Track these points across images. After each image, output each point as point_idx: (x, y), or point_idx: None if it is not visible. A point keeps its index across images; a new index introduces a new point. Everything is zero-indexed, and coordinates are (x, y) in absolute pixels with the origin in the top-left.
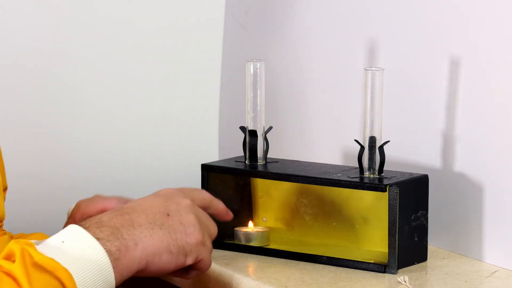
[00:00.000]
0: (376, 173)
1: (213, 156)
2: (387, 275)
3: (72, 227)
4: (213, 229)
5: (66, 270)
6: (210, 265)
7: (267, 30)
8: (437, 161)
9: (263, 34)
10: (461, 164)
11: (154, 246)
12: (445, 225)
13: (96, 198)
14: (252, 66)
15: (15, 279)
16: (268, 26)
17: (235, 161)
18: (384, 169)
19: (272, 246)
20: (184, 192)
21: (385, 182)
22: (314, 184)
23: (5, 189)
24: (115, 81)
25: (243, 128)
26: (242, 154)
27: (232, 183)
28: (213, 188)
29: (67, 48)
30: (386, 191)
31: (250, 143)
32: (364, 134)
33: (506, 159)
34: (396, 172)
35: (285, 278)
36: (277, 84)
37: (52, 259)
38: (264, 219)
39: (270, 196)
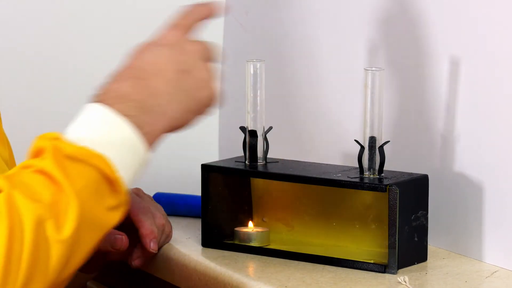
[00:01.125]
0: (376, 173)
1: (213, 156)
2: (387, 275)
3: (94, 107)
4: (214, 52)
5: (101, 156)
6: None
7: (267, 30)
8: (437, 161)
9: (263, 34)
10: (461, 164)
11: (178, 110)
12: (445, 225)
13: None
14: (252, 66)
15: (49, 176)
16: (268, 26)
17: (235, 161)
18: (384, 169)
19: (272, 246)
20: (182, 27)
21: (385, 182)
22: (314, 184)
23: None
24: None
25: (243, 128)
26: (242, 154)
27: (232, 183)
28: (213, 188)
29: (69, 49)
30: (386, 191)
31: (250, 143)
32: (364, 134)
33: (506, 159)
34: (396, 172)
35: (285, 278)
36: (277, 84)
37: (84, 148)
38: (264, 219)
39: (270, 196)
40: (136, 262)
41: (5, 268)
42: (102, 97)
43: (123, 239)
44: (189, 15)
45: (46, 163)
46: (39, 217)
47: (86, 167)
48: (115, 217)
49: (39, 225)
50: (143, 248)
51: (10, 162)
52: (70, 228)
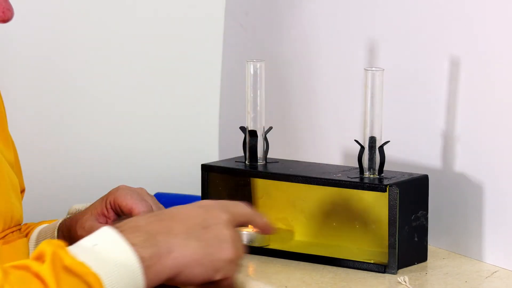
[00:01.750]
0: (376, 173)
1: (213, 156)
2: (387, 275)
3: (107, 230)
4: (242, 251)
5: (96, 275)
6: (233, 285)
7: (267, 30)
8: (437, 161)
9: (263, 34)
10: (461, 164)
11: (187, 257)
12: (445, 225)
13: (123, 190)
14: (252, 66)
15: (43, 281)
16: (268, 26)
17: (235, 161)
18: (384, 169)
19: (272, 246)
20: (225, 206)
21: (385, 182)
22: (314, 184)
23: (22, 190)
24: (115, 81)
25: (243, 128)
26: (242, 154)
27: (232, 183)
28: (213, 188)
29: (69, 49)
30: (386, 191)
31: (250, 143)
32: (364, 134)
33: (506, 159)
34: (396, 172)
35: (285, 278)
36: (277, 84)
37: (82, 264)
38: None
39: (270, 196)
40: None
41: None
42: (118, 225)
43: None
44: (240, 205)
45: (44, 268)
46: None
47: (80, 283)
48: None
49: None
50: None
51: (15, 165)
52: None
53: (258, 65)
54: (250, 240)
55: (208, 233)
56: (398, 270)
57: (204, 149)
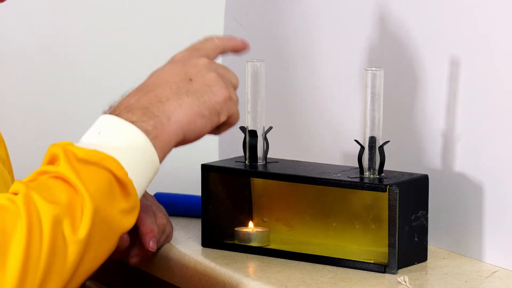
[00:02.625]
0: (376, 173)
1: (213, 156)
2: (387, 275)
3: (103, 117)
4: (235, 79)
5: (112, 158)
6: (239, 118)
7: (267, 30)
8: (437, 161)
9: (263, 34)
10: (461, 164)
11: (186, 115)
12: (445, 225)
13: None
14: (252, 66)
15: (65, 180)
16: (268, 26)
17: (235, 161)
18: (384, 169)
19: (272, 246)
20: (196, 49)
21: (385, 182)
22: (314, 184)
23: None
24: (115, 81)
25: (243, 128)
26: (242, 154)
27: (232, 183)
28: (213, 188)
29: (66, 47)
30: (386, 191)
31: (250, 143)
32: (364, 134)
33: (506, 159)
34: (396, 172)
35: (285, 278)
36: (277, 84)
37: (95, 151)
38: (264, 219)
39: (270, 196)
40: (134, 260)
41: (24, 266)
42: (112, 110)
43: (124, 237)
44: (207, 42)
45: (61, 167)
46: (56, 217)
47: (99, 169)
48: (128, 221)
49: (57, 225)
50: (142, 246)
51: (7, 161)
52: (85, 228)
53: (258, 65)
54: (250, 240)
55: (195, 83)
56: (398, 270)
57: (204, 149)
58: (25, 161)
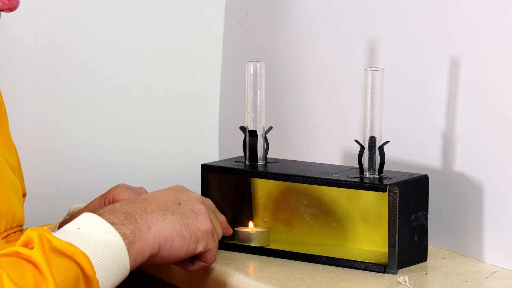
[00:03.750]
0: (376, 173)
1: (213, 156)
2: (387, 275)
3: (86, 215)
4: (220, 229)
5: (84, 254)
6: (215, 258)
7: (267, 30)
8: (437, 161)
9: (263, 34)
10: (461, 164)
11: (166, 230)
12: (445, 225)
13: (122, 189)
14: (252, 66)
15: (35, 265)
16: (268, 26)
17: (235, 161)
18: (384, 169)
19: (272, 246)
20: (194, 193)
21: (385, 182)
22: (314, 184)
23: (24, 194)
24: (115, 81)
25: (243, 128)
26: (242, 154)
27: (232, 183)
28: (213, 188)
29: (69, 51)
30: (386, 191)
31: (250, 143)
32: (364, 134)
33: (506, 159)
34: (396, 172)
35: (285, 278)
36: (277, 84)
37: (70, 244)
38: (264, 219)
39: (270, 196)
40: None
41: None
42: (96, 210)
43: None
44: (209, 203)
45: (34, 252)
46: None
47: (69, 262)
48: None
49: None
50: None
51: (18, 170)
52: None
53: (258, 65)
54: (250, 240)
55: (183, 207)
56: (398, 270)
57: (204, 149)
58: (33, 167)
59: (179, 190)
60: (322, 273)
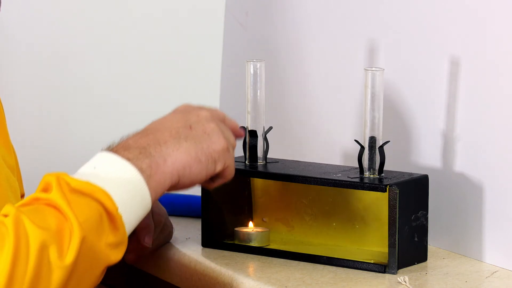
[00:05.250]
0: (376, 173)
1: None
2: (387, 275)
3: (100, 154)
4: (233, 139)
5: (104, 191)
6: (234, 172)
7: (267, 30)
8: (437, 161)
9: (263, 34)
10: (461, 164)
11: (183, 158)
12: (445, 225)
13: None
14: (252, 66)
15: (56, 207)
16: (268, 26)
17: (235, 161)
18: (384, 169)
19: (272, 246)
20: (200, 106)
21: (385, 182)
22: (314, 184)
23: (22, 195)
24: (115, 81)
25: (243, 128)
26: (242, 154)
27: (232, 183)
28: (213, 188)
29: (68, 50)
30: (386, 191)
31: (250, 143)
32: (364, 134)
33: (506, 159)
34: (396, 172)
35: (285, 278)
36: (277, 84)
37: (88, 183)
38: (264, 219)
39: (270, 196)
40: (129, 256)
41: (8, 287)
42: (110, 148)
43: None
44: (218, 114)
45: (53, 195)
46: (44, 242)
47: (90, 201)
48: (114, 255)
49: (44, 250)
50: (137, 242)
51: (16, 170)
52: (71, 256)
53: (258, 65)
54: (250, 240)
55: (194, 130)
56: (398, 270)
57: None
58: (32, 168)
59: (187, 111)
60: (322, 273)
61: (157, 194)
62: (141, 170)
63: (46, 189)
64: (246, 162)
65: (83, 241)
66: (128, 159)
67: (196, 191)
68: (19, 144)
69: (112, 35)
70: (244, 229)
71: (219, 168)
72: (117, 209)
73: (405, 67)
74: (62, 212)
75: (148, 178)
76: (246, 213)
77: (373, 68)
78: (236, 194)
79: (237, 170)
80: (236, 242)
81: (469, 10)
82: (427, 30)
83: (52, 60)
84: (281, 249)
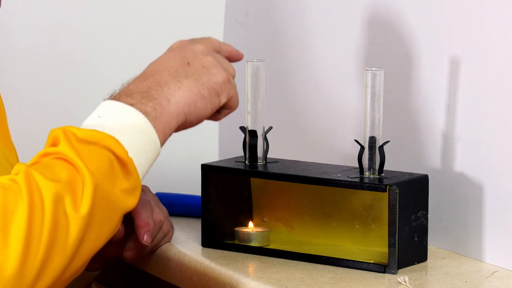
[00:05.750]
0: (376, 173)
1: (213, 156)
2: (387, 275)
3: (104, 103)
4: (232, 68)
5: (111, 137)
6: (238, 102)
7: (267, 30)
8: (437, 161)
9: (263, 34)
10: (461, 164)
11: (186, 96)
12: (445, 225)
13: None
14: (252, 66)
15: (65, 159)
16: (268, 26)
17: (235, 161)
18: (384, 169)
19: (272, 246)
20: (193, 39)
21: (385, 182)
22: (314, 184)
23: None
24: (115, 81)
25: (243, 128)
26: (242, 154)
27: (232, 183)
28: (213, 188)
29: (68, 50)
30: (386, 191)
31: (250, 143)
32: (364, 134)
33: (506, 159)
34: (396, 172)
35: (285, 278)
36: (277, 84)
37: (95, 131)
38: (264, 219)
39: (270, 196)
40: (128, 253)
41: (27, 242)
42: (112, 96)
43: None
44: (205, 37)
45: (61, 147)
46: (57, 194)
47: (99, 148)
48: (130, 201)
49: (58, 202)
50: (137, 240)
51: None
52: (86, 205)
53: (258, 65)
54: (250, 240)
55: (193, 66)
56: (398, 270)
57: (204, 149)
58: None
59: (182, 48)
60: (322, 273)
61: (166, 135)
62: (146, 114)
63: (54, 144)
64: (246, 162)
65: (96, 190)
66: (132, 105)
67: (196, 191)
68: (19, 144)
69: (112, 35)
70: (244, 229)
71: (223, 100)
72: (127, 153)
73: (405, 67)
74: (72, 163)
75: (154, 120)
76: (246, 213)
77: (373, 68)
78: (236, 194)
79: (237, 170)
80: (236, 242)
81: (469, 10)
82: (427, 30)
83: (52, 60)
84: (281, 249)
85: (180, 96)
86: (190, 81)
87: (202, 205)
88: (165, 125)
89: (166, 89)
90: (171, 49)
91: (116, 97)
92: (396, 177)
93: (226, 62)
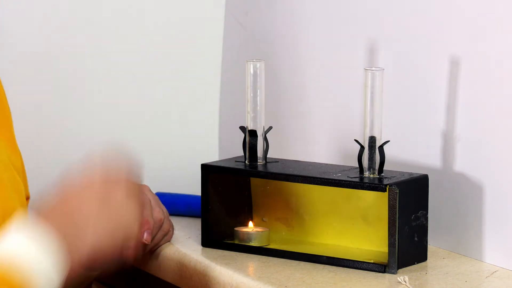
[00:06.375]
0: (376, 173)
1: (213, 156)
2: (387, 275)
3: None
4: (150, 216)
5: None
6: (140, 251)
7: (267, 30)
8: (437, 161)
9: (263, 34)
10: (461, 164)
11: (99, 241)
12: (445, 225)
13: None
14: (252, 66)
15: None
16: (268, 26)
17: (235, 161)
18: (384, 169)
19: (272, 246)
20: (117, 180)
21: (385, 182)
22: (314, 184)
23: (27, 198)
24: (116, 81)
25: (243, 128)
26: (242, 154)
27: (232, 183)
28: (213, 188)
29: (69, 52)
30: (386, 191)
31: (250, 143)
32: (364, 134)
33: (506, 159)
34: (396, 172)
35: (285, 278)
36: (277, 84)
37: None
38: (264, 219)
39: (270, 196)
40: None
41: None
42: (28, 227)
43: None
44: (133, 186)
45: None
46: None
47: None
48: None
49: None
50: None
51: (22, 172)
52: None
53: (258, 65)
54: (250, 240)
55: (112, 207)
56: (398, 270)
57: (204, 149)
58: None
59: (103, 189)
60: (322, 273)
61: (71, 273)
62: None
63: None
64: (246, 162)
65: None
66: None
67: (196, 191)
68: (23, 146)
69: (111, 35)
70: (244, 229)
71: (129, 247)
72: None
73: (405, 67)
74: None
75: (62, 267)
76: (246, 213)
77: (373, 68)
78: (236, 194)
79: (237, 170)
80: (236, 242)
81: (469, 10)
82: (427, 30)
83: (53, 61)
84: (281, 249)
85: (93, 231)
86: (105, 227)
87: (202, 205)
88: (74, 260)
89: (81, 232)
90: (92, 186)
91: (32, 229)
92: (396, 177)
93: (142, 209)
